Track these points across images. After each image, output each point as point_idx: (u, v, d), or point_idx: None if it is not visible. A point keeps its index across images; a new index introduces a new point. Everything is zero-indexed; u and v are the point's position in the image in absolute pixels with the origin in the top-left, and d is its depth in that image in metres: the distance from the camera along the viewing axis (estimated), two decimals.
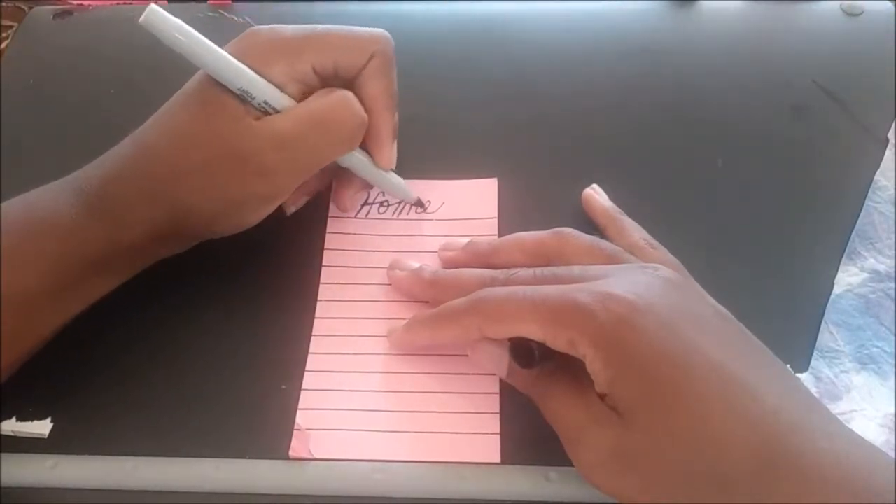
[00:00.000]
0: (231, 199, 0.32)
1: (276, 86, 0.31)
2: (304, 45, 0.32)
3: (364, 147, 0.34)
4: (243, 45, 0.31)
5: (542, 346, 0.28)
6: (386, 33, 0.33)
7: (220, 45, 0.31)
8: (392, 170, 0.36)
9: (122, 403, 0.32)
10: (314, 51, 0.32)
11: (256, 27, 0.32)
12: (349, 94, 0.32)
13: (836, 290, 0.34)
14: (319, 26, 0.32)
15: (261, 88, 0.30)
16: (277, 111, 0.31)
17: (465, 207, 0.38)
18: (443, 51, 0.44)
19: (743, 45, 0.44)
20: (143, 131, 0.32)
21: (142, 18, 0.28)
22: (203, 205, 0.32)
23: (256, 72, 0.30)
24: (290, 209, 0.36)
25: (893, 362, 0.32)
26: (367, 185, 0.37)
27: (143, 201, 0.31)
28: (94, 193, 0.31)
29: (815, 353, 0.33)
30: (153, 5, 0.29)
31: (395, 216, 0.38)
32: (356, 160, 0.34)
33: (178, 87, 0.32)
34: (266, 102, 0.31)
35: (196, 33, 0.29)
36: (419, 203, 0.38)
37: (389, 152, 0.35)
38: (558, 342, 0.27)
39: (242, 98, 0.30)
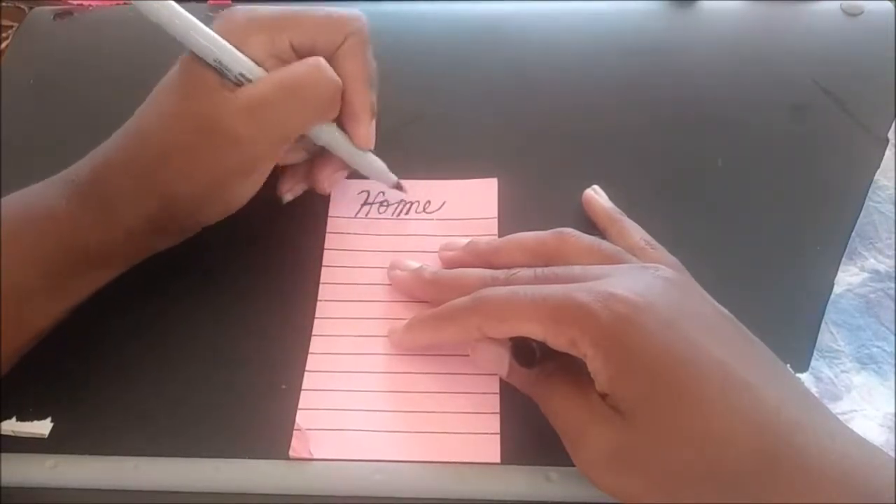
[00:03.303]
0: (210, 178, 0.32)
1: (255, 61, 0.31)
2: (282, 23, 0.32)
3: (342, 126, 0.34)
4: (222, 23, 0.31)
5: (543, 346, 0.28)
6: (361, 14, 0.33)
7: None
8: (370, 150, 0.35)
9: (122, 403, 0.32)
10: (293, 28, 0.32)
11: (233, 8, 0.32)
12: (321, 60, 0.32)
13: (836, 290, 0.34)
14: (296, 7, 0.32)
15: (236, 60, 0.31)
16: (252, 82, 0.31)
17: (465, 207, 0.38)
18: (443, 51, 0.44)
19: (743, 45, 0.44)
20: (132, 120, 0.32)
21: None
22: (186, 188, 0.32)
23: (236, 47, 0.31)
24: (287, 197, 0.36)
25: (893, 362, 0.32)
26: (346, 166, 0.36)
27: (133, 188, 0.31)
28: (86, 183, 0.32)
29: (815, 353, 0.33)
30: None
31: (395, 216, 0.38)
32: (333, 138, 0.34)
33: None
34: (241, 74, 0.31)
35: (177, 7, 0.30)
36: (399, 186, 0.37)
37: (367, 130, 0.34)
38: (559, 341, 0.27)
39: (220, 72, 0.30)
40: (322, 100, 0.32)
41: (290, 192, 0.36)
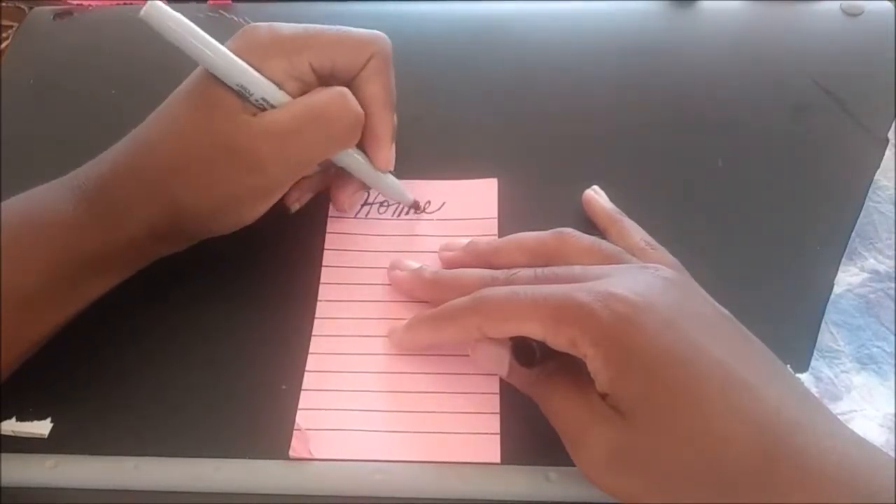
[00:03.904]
0: (227, 195, 0.32)
1: (275, 83, 0.31)
2: (303, 44, 0.32)
3: (362, 148, 0.34)
4: (242, 42, 0.31)
5: (544, 346, 0.28)
6: (384, 35, 0.33)
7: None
8: (390, 172, 0.36)
9: (122, 403, 0.32)
10: (313, 49, 0.32)
11: (254, 24, 0.32)
12: (346, 91, 0.32)
13: (836, 290, 0.34)
14: (318, 26, 0.32)
15: (259, 85, 0.30)
16: (275, 108, 0.31)
17: (465, 207, 0.38)
18: (443, 51, 0.44)
19: (743, 45, 0.44)
20: (142, 128, 0.32)
21: (142, 12, 0.29)
22: (200, 201, 0.31)
23: (255, 68, 0.30)
24: (294, 206, 0.36)
25: (893, 362, 0.32)
26: (365, 186, 0.37)
27: (140, 197, 0.31)
28: (93, 189, 0.31)
29: (815, 353, 0.33)
30: (154, 0, 0.29)
31: (395, 216, 0.38)
32: (353, 160, 0.34)
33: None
34: (264, 99, 0.31)
35: (196, 28, 0.30)
36: (416, 206, 0.38)
37: (387, 153, 0.35)
38: (559, 341, 0.27)
39: (240, 94, 0.30)
40: (345, 130, 0.32)
41: (297, 201, 0.36)
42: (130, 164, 0.32)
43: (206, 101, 0.31)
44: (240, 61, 0.30)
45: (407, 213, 0.38)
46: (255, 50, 0.31)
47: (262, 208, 0.33)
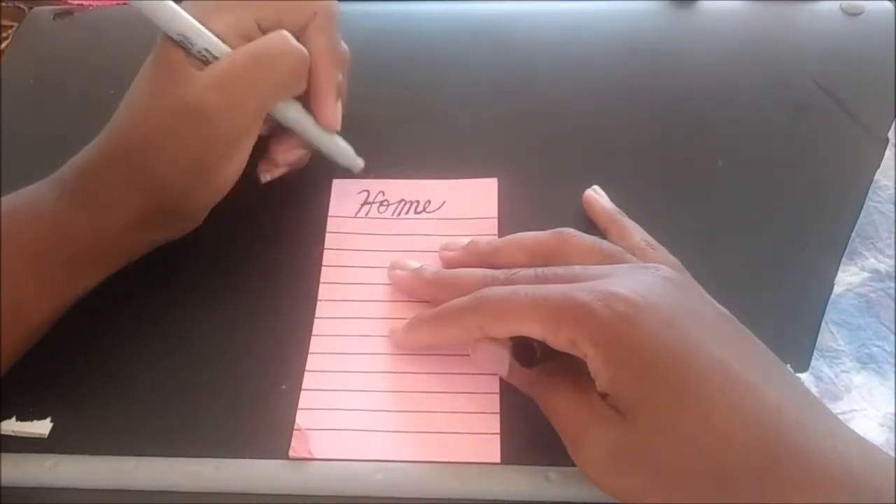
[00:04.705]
0: (194, 159, 0.32)
1: (221, 39, 0.31)
2: (249, 1, 0.32)
3: (307, 107, 0.34)
4: (191, 1, 0.32)
5: (544, 345, 0.28)
6: None
7: None
8: (337, 133, 0.35)
9: (122, 403, 0.32)
10: (259, 7, 0.32)
11: None
12: (286, 32, 0.32)
13: (837, 289, 0.34)
14: None
15: (199, 34, 0.31)
16: (218, 59, 0.31)
17: (465, 207, 0.38)
18: (443, 51, 0.44)
19: (743, 45, 0.44)
20: (115, 113, 0.33)
21: None
22: (171, 172, 0.32)
23: (202, 23, 0.31)
24: (265, 177, 0.36)
25: (893, 362, 0.32)
26: (308, 147, 0.36)
27: (118, 180, 0.32)
28: (74, 179, 0.32)
29: (815, 353, 0.33)
30: None
31: (395, 216, 0.38)
32: (299, 115, 0.34)
33: None
34: (207, 50, 0.31)
35: None
36: (364, 172, 0.37)
37: (333, 110, 0.34)
38: (559, 341, 0.27)
39: (184, 46, 0.31)
40: (289, 70, 0.32)
41: (267, 172, 0.36)
42: (105, 147, 0.32)
43: (155, 67, 0.31)
44: (180, 10, 0.30)
45: (407, 212, 0.38)
46: (203, 6, 0.31)
47: (230, 171, 0.33)
